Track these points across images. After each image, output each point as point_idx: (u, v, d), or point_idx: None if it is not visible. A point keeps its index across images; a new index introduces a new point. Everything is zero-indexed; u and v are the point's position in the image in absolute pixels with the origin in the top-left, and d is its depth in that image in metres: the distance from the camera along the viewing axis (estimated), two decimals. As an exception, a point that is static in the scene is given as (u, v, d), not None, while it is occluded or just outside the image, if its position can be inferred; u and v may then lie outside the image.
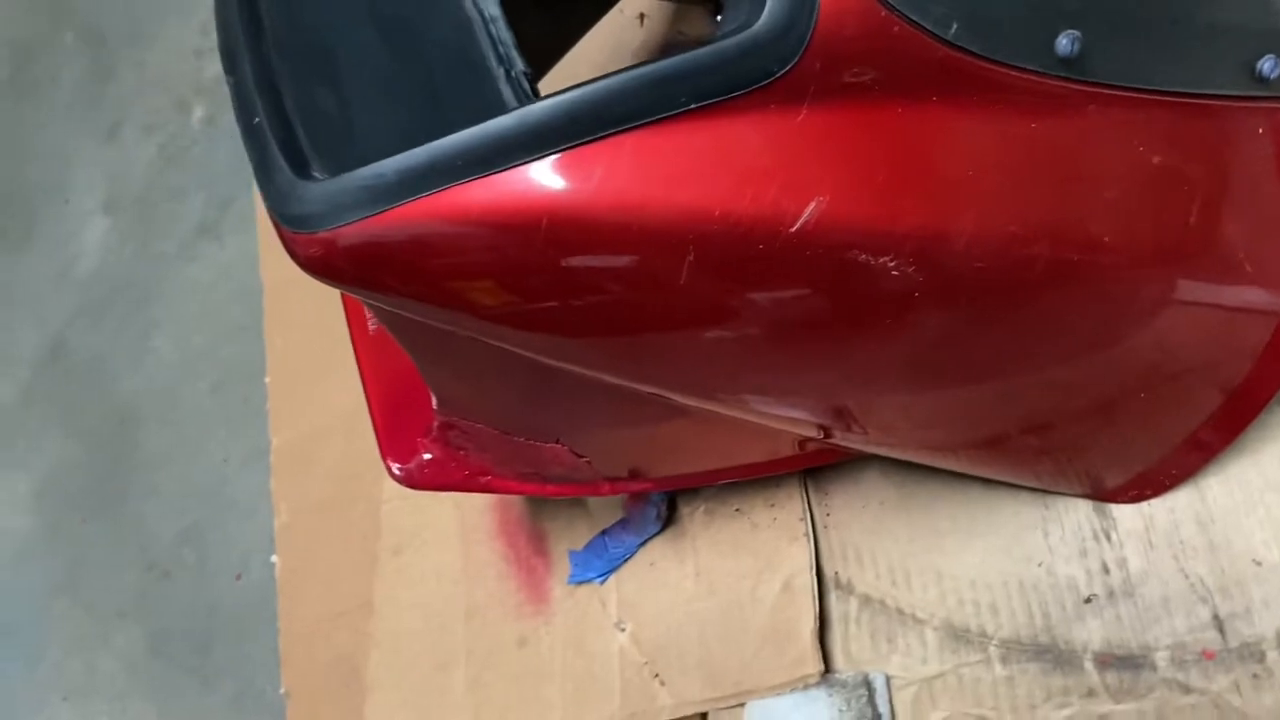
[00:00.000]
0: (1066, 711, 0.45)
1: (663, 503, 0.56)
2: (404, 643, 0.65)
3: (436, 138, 0.35)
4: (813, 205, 0.35)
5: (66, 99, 1.09)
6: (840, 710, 0.49)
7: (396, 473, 0.51)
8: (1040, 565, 0.48)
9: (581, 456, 0.49)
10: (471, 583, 0.63)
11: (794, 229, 0.36)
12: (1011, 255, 0.38)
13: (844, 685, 0.50)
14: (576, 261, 0.36)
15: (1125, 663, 0.45)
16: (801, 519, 0.53)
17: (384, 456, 0.51)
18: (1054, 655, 0.47)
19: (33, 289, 1.02)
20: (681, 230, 0.35)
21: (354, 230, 0.36)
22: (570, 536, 0.60)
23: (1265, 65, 0.39)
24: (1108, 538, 0.47)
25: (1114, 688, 0.45)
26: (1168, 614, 0.45)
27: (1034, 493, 0.49)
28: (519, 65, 0.45)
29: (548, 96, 0.35)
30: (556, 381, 0.44)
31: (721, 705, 0.52)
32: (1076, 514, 0.48)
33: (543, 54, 0.55)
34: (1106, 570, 0.47)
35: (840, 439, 0.46)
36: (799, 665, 0.51)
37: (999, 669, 0.48)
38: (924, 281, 0.37)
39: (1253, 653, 0.43)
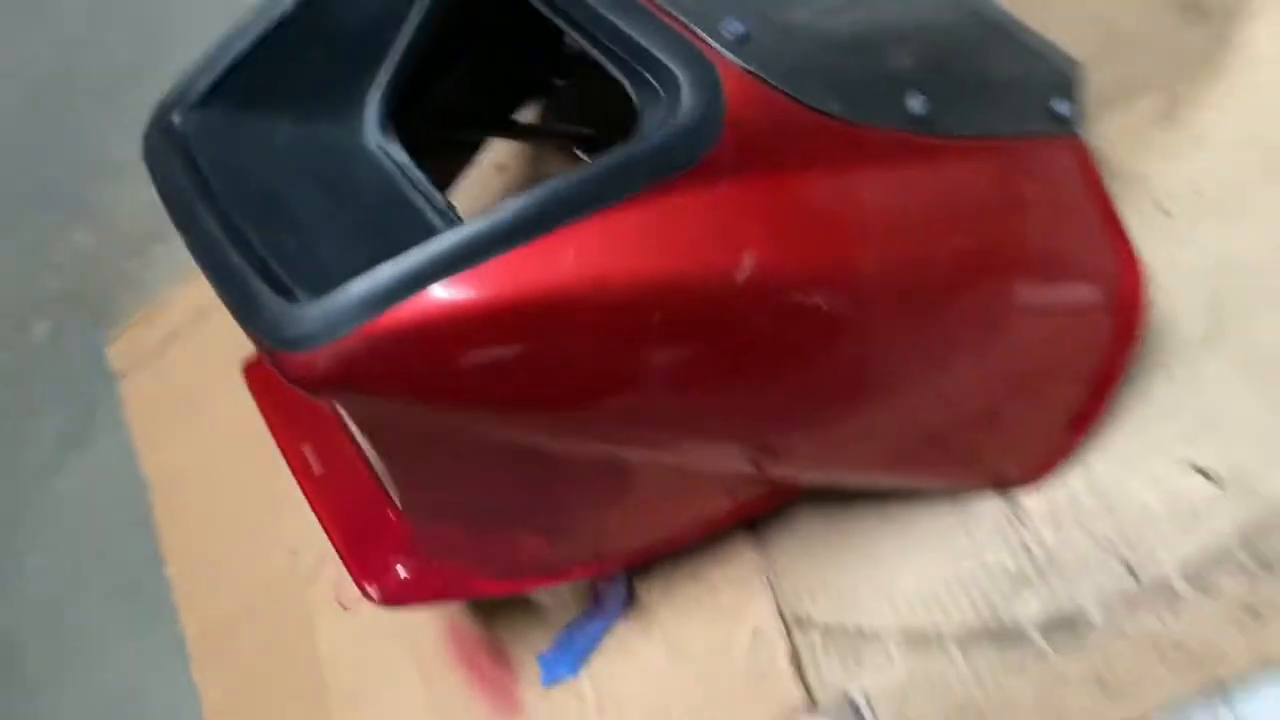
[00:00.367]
0: (1026, 677, 0.51)
1: (625, 584, 0.59)
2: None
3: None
4: (748, 259, 0.42)
5: None
6: (832, 728, 0.53)
7: (374, 595, 0.52)
8: (970, 560, 0.54)
9: (553, 544, 0.53)
10: (441, 711, 0.64)
11: (739, 280, 0.42)
12: (902, 280, 0.46)
13: (831, 711, 0.54)
14: (561, 334, 0.41)
15: (1064, 624, 0.51)
16: (756, 570, 0.58)
17: (358, 581, 0.52)
18: (1003, 633, 0.52)
19: None
20: (645, 295, 0.41)
21: (351, 341, 0.39)
22: (529, 643, 0.62)
23: (1059, 106, 0.50)
24: (1020, 522, 0.54)
25: (1061, 647, 0.51)
26: (1088, 573, 0.52)
27: (947, 500, 0.55)
28: (439, 199, 0.50)
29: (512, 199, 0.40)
30: (530, 468, 0.48)
31: (718, 756, 0.55)
32: (989, 508, 0.55)
33: None
34: (1027, 550, 0.53)
35: (780, 471, 0.51)
36: (785, 700, 0.55)
37: (959, 658, 0.53)
38: (847, 311, 0.44)
39: (1164, 588, 0.50)
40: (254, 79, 0.50)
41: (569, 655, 0.60)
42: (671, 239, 0.41)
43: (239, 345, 0.79)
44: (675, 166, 0.40)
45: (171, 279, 0.89)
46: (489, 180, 0.75)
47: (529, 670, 0.62)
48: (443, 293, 0.39)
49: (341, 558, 0.54)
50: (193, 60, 0.51)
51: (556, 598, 0.62)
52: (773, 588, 0.57)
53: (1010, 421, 0.54)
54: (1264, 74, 0.56)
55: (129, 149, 0.96)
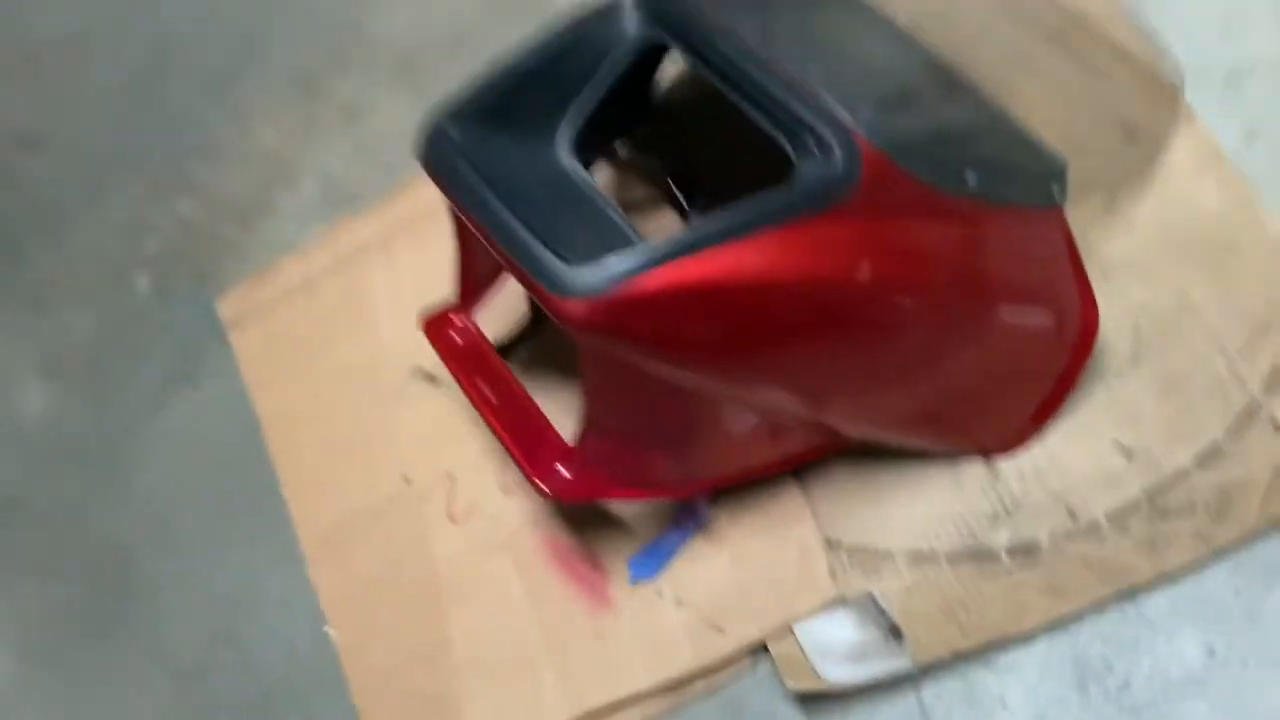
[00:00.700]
0: (996, 584, 0.73)
1: (706, 507, 0.79)
2: (487, 661, 0.81)
3: (619, 245, 0.59)
4: (866, 268, 0.63)
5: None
6: (860, 615, 0.74)
7: (545, 488, 0.70)
8: (959, 503, 0.76)
9: (673, 464, 0.73)
10: (540, 604, 0.82)
11: (857, 282, 0.63)
12: (954, 292, 0.68)
13: (857, 602, 0.75)
14: (747, 308, 0.61)
15: (1024, 549, 0.74)
16: (801, 504, 0.78)
17: (531, 478, 0.71)
18: (981, 554, 0.74)
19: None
20: (800, 284, 0.62)
21: (606, 297, 0.59)
22: (617, 551, 0.81)
23: (1055, 190, 0.72)
24: (996, 478, 0.76)
25: (1021, 564, 0.73)
26: (1042, 515, 0.74)
27: (945, 461, 0.77)
28: (615, 204, 0.70)
29: (718, 211, 0.60)
30: (683, 405, 0.67)
31: (772, 633, 0.75)
32: (974, 468, 0.77)
33: None
34: (1000, 498, 0.75)
35: (833, 419, 0.72)
36: (823, 596, 0.75)
37: (948, 570, 0.74)
38: (917, 309, 0.66)
39: (1093, 526, 0.73)
40: (496, 108, 0.69)
41: (653, 560, 0.79)
42: (819, 250, 0.62)
43: (347, 310, 0.97)
44: (826, 203, 0.61)
45: (276, 249, 1.05)
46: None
47: (617, 573, 0.81)
48: (668, 274, 0.59)
49: (518, 461, 0.72)
50: (447, 93, 0.70)
51: (639, 517, 0.81)
52: (814, 517, 0.78)
53: (995, 407, 0.76)
54: (1176, 181, 0.81)
55: (226, 133, 1.12)
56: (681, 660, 0.77)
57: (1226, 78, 0.83)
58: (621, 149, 0.86)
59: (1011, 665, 0.72)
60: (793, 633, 0.75)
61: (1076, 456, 0.75)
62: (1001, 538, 0.75)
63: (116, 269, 1.11)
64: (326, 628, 0.87)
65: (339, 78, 1.12)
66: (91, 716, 0.92)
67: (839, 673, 0.72)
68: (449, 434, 0.89)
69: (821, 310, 0.64)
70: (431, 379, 0.92)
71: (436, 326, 0.80)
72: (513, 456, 0.72)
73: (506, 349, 0.85)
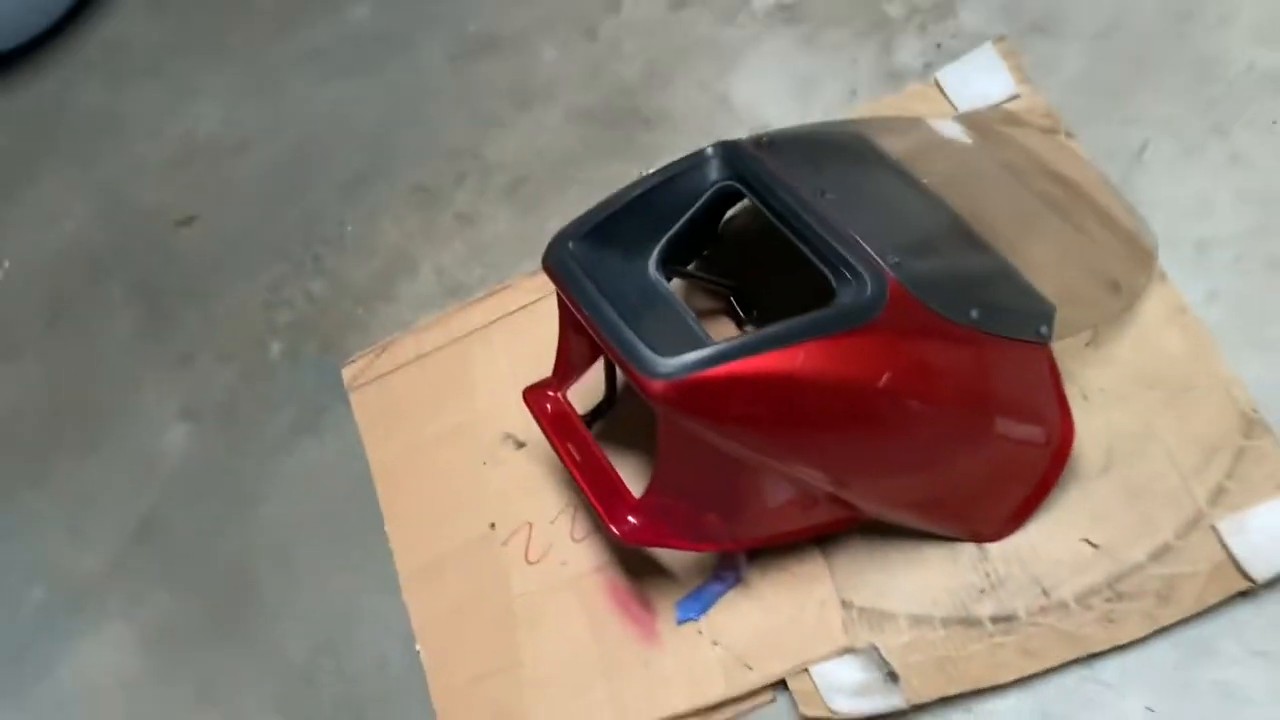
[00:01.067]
0: (979, 644, 0.88)
1: (739, 566, 0.95)
2: (551, 680, 0.97)
3: (692, 347, 0.78)
4: (886, 375, 0.81)
5: (123, 338, 1.36)
6: (865, 662, 0.89)
7: (617, 532, 0.88)
8: (954, 578, 0.92)
9: (722, 523, 0.90)
10: (599, 635, 0.98)
11: (879, 386, 0.81)
12: (955, 403, 0.85)
13: (863, 651, 0.90)
14: (792, 398, 0.79)
15: (1005, 618, 0.89)
16: (823, 568, 0.95)
17: (607, 524, 0.88)
18: (969, 620, 0.90)
19: (111, 487, 1.25)
20: (832, 383, 0.79)
21: (684, 382, 0.77)
22: (666, 596, 0.97)
23: (1043, 329, 0.90)
24: (985, 559, 0.92)
25: (1001, 631, 0.89)
26: (1021, 593, 0.90)
27: (944, 542, 0.93)
28: (690, 311, 0.88)
29: (765, 326, 0.79)
30: (736, 473, 0.85)
31: (792, 672, 0.91)
32: (968, 549, 0.93)
33: None
34: (987, 575, 0.91)
35: (853, 498, 0.89)
36: (835, 642, 0.91)
37: (941, 631, 0.90)
38: (925, 412, 0.83)
39: (1063, 603, 0.88)
40: (604, 229, 0.89)
41: (696, 605, 0.96)
42: (850, 359, 0.80)
43: (451, 382, 1.16)
44: (858, 323, 0.80)
45: (393, 328, 1.24)
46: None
47: (665, 614, 0.97)
48: (734, 367, 0.78)
49: (596, 509, 0.89)
50: (549, 209, 0.89)
51: (687, 569, 0.98)
52: (832, 579, 0.94)
53: (987, 501, 0.93)
54: (1148, 328, 0.98)
55: (356, 228, 1.33)
56: (715, 690, 0.92)
57: (1196, 246, 1.01)
58: (694, 268, 1.05)
59: (988, 712, 0.87)
60: (808, 672, 0.90)
61: (1052, 546, 0.91)
62: (986, 608, 0.90)
63: (254, 335, 1.31)
64: (416, 646, 1.04)
65: (457, 190, 1.33)
66: (207, 708, 1.08)
67: (844, 705, 0.87)
68: (530, 490, 1.07)
69: (847, 406, 0.82)
70: (519, 444, 1.10)
71: (535, 397, 0.98)
72: (592, 505, 0.90)
73: (587, 421, 1.03)
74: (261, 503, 1.18)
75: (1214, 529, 0.88)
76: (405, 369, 1.20)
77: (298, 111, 1.46)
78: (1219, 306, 0.98)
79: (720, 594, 0.96)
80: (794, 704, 0.91)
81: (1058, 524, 0.92)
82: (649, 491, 0.88)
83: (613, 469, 0.92)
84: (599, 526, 1.03)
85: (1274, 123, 1.06)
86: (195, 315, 1.35)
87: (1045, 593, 0.90)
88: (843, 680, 0.89)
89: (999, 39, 1.17)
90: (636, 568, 1.00)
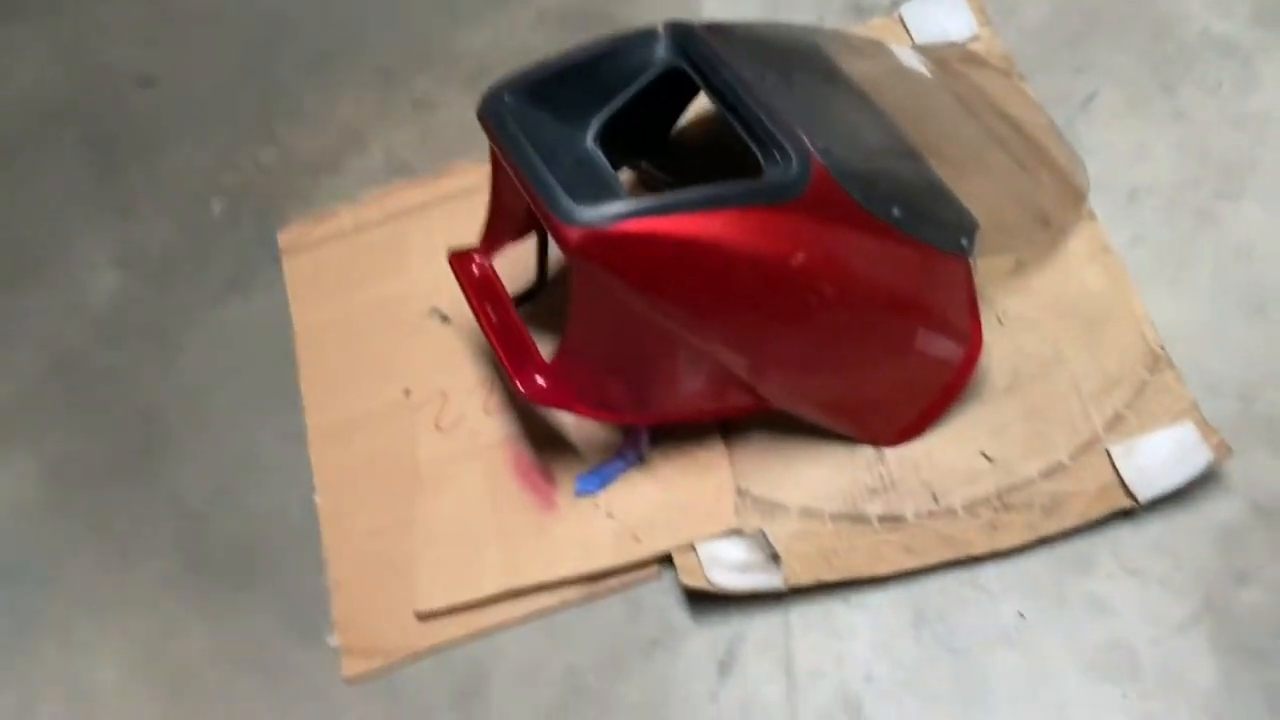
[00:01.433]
0: (864, 539, 0.90)
1: (646, 444, 0.96)
2: (444, 539, 0.98)
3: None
4: (801, 255, 0.82)
5: (66, 185, 1.35)
6: (750, 543, 0.90)
7: (523, 390, 0.88)
8: (848, 476, 0.93)
9: (629, 392, 0.90)
10: (497, 502, 0.98)
11: (793, 264, 0.81)
12: (867, 293, 0.86)
13: (750, 534, 0.91)
14: (707, 263, 0.79)
15: (892, 519, 0.90)
16: (722, 454, 0.96)
17: (513, 381, 0.88)
18: (857, 518, 0.91)
19: (33, 322, 1.24)
20: (744, 254, 0.80)
21: (599, 231, 0.78)
22: (567, 470, 0.98)
23: (963, 241, 0.91)
24: (881, 462, 0.94)
25: (887, 529, 0.90)
26: (912, 497, 0.91)
27: (844, 441, 0.95)
28: (619, 181, 0.89)
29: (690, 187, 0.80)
30: (644, 337, 0.86)
31: (679, 547, 0.91)
32: (865, 451, 0.94)
33: None
34: (881, 477, 0.93)
35: (763, 388, 0.90)
36: (725, 523, 0.92)
37: (829, 526, 0.91)
38: (834, 298, 0.84)
39: (951, 509, 0.90)
40: (544, 90, 0.89)
41: (597, 479, 0.96)
42: (766, 233, 0.81)
43: (386, 255, 1.16)
44: (780, 199, 0.81)
45: (336, 200, 1.24)
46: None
47: (565, 487, 0.97)
48: (653, 223, 0.78)
49: (505, 366, 0.90)
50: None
51: (591, 445, 0.99)
52: (731, 467, 0.95)
53: (889, 406, 0.94)
54: (1071, 263, 0.99)
55: (313, 102, 1.32)
56: (603, 558, 0.93)
57: (1128, 193, 1.03)
58: (643, 167, 1.06)
59: (864, 603, 0.89)
60: (694, 549, 0.91)
61: (948, 455, 0.93)
62: (876, 508, 0.92)
63: (197, 194, 1.30)
64: (315, 496, 1.04)
65: (418, 76, 1.32)
66: (102, 540, 1.08)
67: (723, 579, 0.88)
68: (450, 363, 1.08)
69: (761, 281, 0.82)
70: (445, 319, 1.10)
71: (460, 260, 0.99)
72: (502, 364, 0.90)
73: (515, 303, 1.03)
74: (182, 352, 1.18)
75: (1107, 452, 0.89)
76: (341, 239, 1.20)
77: (273, -15, 1.46)
78: (1142, 249, 1.00)
79: (621, 471, 0.96)
80: (678, 582, 0.92)
81: (956, 436, 0.94)
82: (559, 353, 0.89)
83: (528, 335, 0.93)
84: (512, 401, 1.03)
85: (1219, 85, 1.08)
86: (141, 171, 1.34)
87: (935, 498, 0.91)
88: (725, 557, 0.90)
89: (965, -21, 1.19)
90: (543, 442, 1.00)
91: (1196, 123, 1.06)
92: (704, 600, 0.91)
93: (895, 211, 0.85)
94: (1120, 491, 0.87)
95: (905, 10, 1.19)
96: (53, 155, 1.38)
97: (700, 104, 1.07)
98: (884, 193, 0.85)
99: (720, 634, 0.90)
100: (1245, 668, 0.81)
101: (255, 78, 1.39)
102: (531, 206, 0.82)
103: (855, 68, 1.00)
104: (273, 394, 1.12)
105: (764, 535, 0.91)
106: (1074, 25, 1.15)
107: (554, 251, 1.05)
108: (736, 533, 0.92)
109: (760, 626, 0.89)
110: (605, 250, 0.79)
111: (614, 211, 0.79)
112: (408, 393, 1.07)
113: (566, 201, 0.79)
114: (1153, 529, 0.87)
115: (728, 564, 0.89)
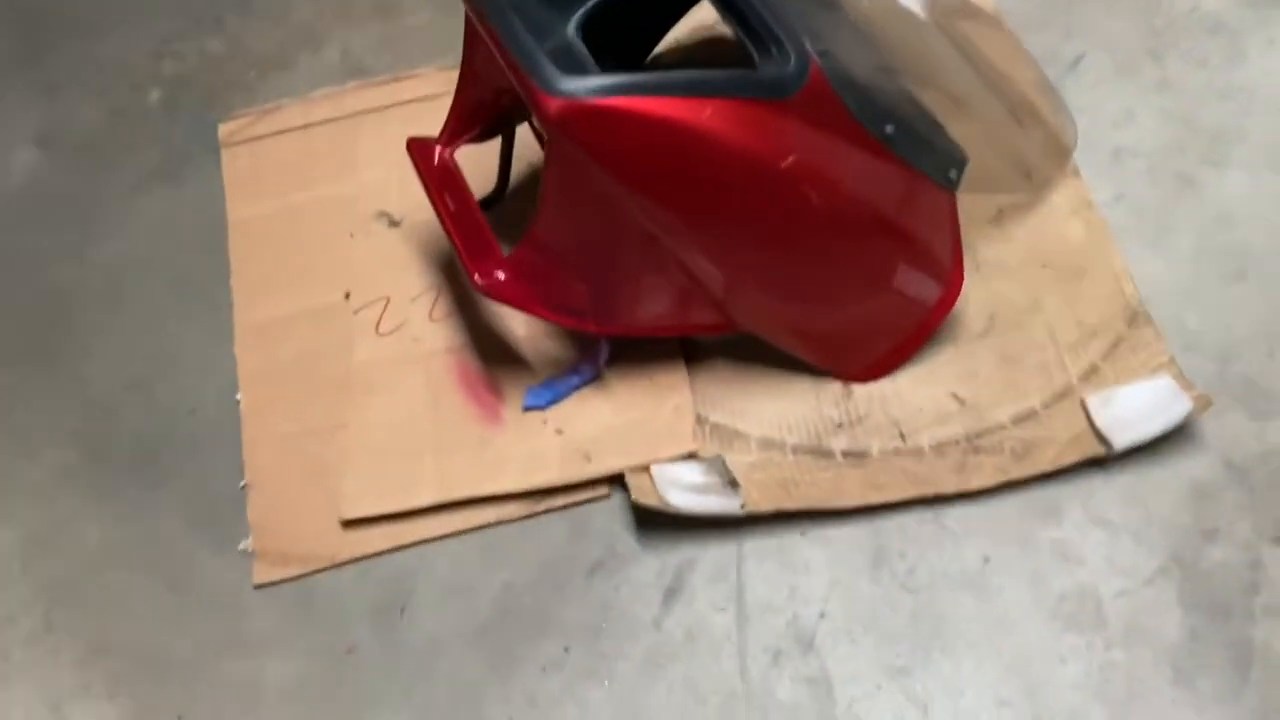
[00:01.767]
0: (826, 472, 0.85)
1: (604, 361, 0.90)
2: (376, 444, 0.91)
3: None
4: (792, 158, 0.77)
5: (-9, 61, 1.25)
6: (707, 467, 0.85)
7: (479, 282, 0.82)
8: (814, 410, 0.89)
9: (590, 295, 0.84)
10: (437, 411, 0.92)
11: (781, 166, 0.77)
12: (853, 208, 0.82)
13: (709, 459, 0.86)
14: (692, 152, 0.74)
15: (857, 454, 0.86)
16: (683, 378, 0.90)
17: (470, 273, 0.82)
18: (820, 451, 0.87)
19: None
20: (734, 149, 0.75)
21: (588, 103, 0.72)
22: (517, 384, 0.92)
23: (952, 173, 0.87)
24: (848, 398, 0.89)
25: (851, 464, 0.86)
26: (878, 433, 0.87)
27: (810, 373, 0.90)
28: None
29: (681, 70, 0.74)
30: (618, 243, 0.80)
31: (632, 468, 0.86)
32: (833, 385, 0.90)
33: None
34: (848, 412, 0.88)
35: (735, 311, 0.85)
36: (683, 446, 0.86)
37: (790, 458, 0.86)
38: (820, 205, 0.80)
39: (919, 448, 0.86)
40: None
41: (548, 393, 0.90)
42: (757, 129, 0.76)
43: (333, 156, 1.09)
44: (774, 95, 0.76)
45: (284, 96, 1.16)
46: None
47: (514, 401, 0.91)
48: (639, 102, 0.73)
49: (460, 256, 0.83)
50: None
51: (544, 360, 0.92)
52: (692, 391, 0.90)
53: (861, 341, 0.90)
54: (1052, 216, 0.96)
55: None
56: (547, 474, 0.87)
57: (1112, 153, 1.01)
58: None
59: (822, 538, 0.84)
60: (648, 470, 0.86)
61: (918, 395, 0.89)
62: (840, 442, 0.87)
63: (133, 79, 1.21)
64: (237, 396, 0.96)
65: (383, -21, 1.26)
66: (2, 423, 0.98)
67: (678, 499, 0.83)
68: (395, 267, 1.01)
69: (747, 179, 0.77)
70: (394, 223, 1.04)
71: (419, 148, 0.92)
72: (459, 256, 0.84)
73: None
74: (101, 238, 1.08)
75: (1082, 402, 0.86)
76: (287, 134, 1.12)
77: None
78: (1123, 208, 0.98)
79: (574, 387, 0.91)
80: (628, 506, 0.86)
81: (928, 376, 0.90)
82: (521, 244, 0.82)
83: (488, 228, 0.87)
84: (461, 309, 0.97)
85: (1207, 59, 1.06)
86: (75, 50, 1.24)
87: (903, 436, 0.87)
88: (681, 478, 0.84)
89: (960, -67, 1.16)
90: (492, 353, 0.94)
91: (1183, 92, 1.04)
92: (653, 525, 0.85)
93: (888, 129, 0.81)
94: (1094, 439, 0.84)
95: (897, -41, 1.15)
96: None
97: (684, 28, 1.03)
98: (879, 108, 0.81)
99: (669, 561, 0.84)
100: (1211, 623, 0.78)
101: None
102: (509, 74, 0.75)
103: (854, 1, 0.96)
104: (199, 288, 1.04)
105: (722, 461, 0.85)
106: (1066, -11, 1.13)
107: (517, 158, 1.00)
108: (693, 456, 0.87)
109: (712, 555, 0.84)
110: (586, 125, 0.73)
111: (599, 84, 0.73)
112: (348, 295, 1.00)
113: (549, 68, 0.73)
114: (1124, 481, 0.84)
115: (684, 485, 0.84)
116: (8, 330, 1.04)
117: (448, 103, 0.94)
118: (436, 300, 0.98)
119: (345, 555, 0.87)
